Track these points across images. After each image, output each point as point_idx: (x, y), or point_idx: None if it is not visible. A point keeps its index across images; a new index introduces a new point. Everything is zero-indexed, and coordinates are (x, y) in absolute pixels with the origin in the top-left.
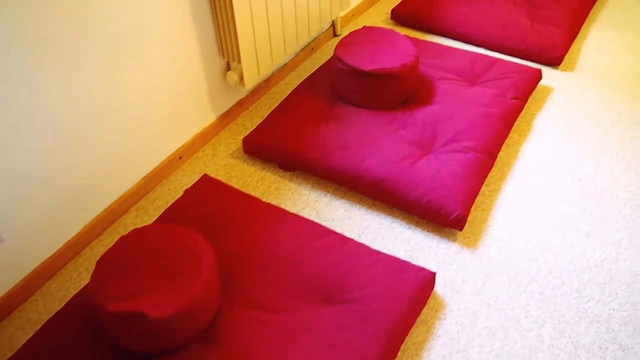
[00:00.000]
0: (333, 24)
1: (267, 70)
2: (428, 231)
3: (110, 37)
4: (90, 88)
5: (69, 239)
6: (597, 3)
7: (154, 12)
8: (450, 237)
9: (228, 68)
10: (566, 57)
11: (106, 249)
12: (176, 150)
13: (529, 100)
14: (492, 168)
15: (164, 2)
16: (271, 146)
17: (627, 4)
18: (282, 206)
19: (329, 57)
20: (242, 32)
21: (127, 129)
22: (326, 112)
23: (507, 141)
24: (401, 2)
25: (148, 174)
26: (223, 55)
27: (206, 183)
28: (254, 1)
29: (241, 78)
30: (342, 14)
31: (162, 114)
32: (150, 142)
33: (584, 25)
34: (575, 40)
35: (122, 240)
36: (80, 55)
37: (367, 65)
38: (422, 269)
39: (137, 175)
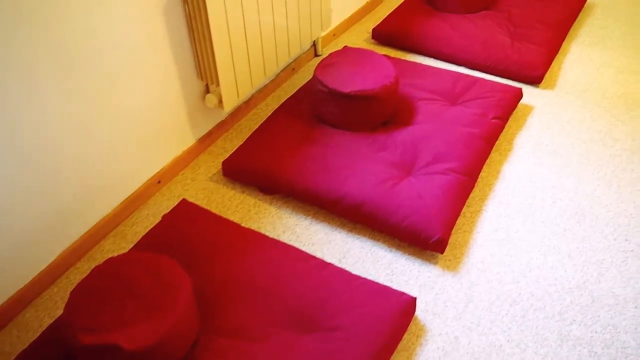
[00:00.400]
0: (314, 44)
1: (246, 92)
2: (409, 254)
3: (86, 61)
4: (66, 112)
5: (44, 267)
6: (577, 20)
7: (131, 37)
8: (432, 260)
9: (207, 91)
10: (547, 75)
11: (82, 277)
12: (155, 174)
13: (510, 119)
14: (474, 189)
15: (140, 26)
16: (250, 169)
17: (606, 21)
18: (262, 230)
19: (310, 77)
20: (220, 55)
21: (104, 154)
22: (306, 134)
23: (488, 161)
24: (382, 21)
25: (126, 199)
26: (202, 78)
27: (184, 208)
28: (232, 24)
29: (220, 101)
30: (323, 34)
31: (140, 138)
32: (129, 166)
33: (565, 42)
34: (556, 57)
35: (97, 269)
36: (56, 79)
37: (347, 87)
38: (403, 293)
39: (115, 201)
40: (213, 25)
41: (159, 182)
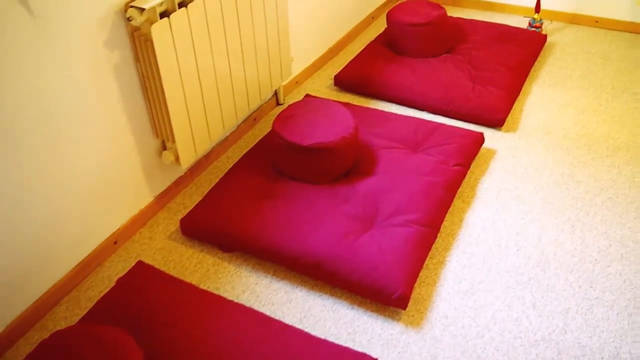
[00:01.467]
0: (276, 93)
1: (204, 147)
2: (372, 311)
3: (35, 122)
4: (14, 171)
5: None
6: (537, 60)
7: (81, 96)
8: (395, 316)
9: (164, 147)
10: (508, 118)
11: (32, 348)
12: (111, 235)
13: (473, 165)
14: (437, 239)
15: (91, 86)
16: (209, 227)
17: (565, 61)
18: (221, 291)
19: (271, 128)
20: (175, 112)
21: (56, 216)
22: (266, 188)
23: (451, 209)
24: (343, 68)
25: (80, 262)
26: (157, 135)
27: (140, 271)
28: (186, 80)
29: (177, 158)
30: (284, 83)
31: (94, 198)
32: (83, 227)
33: (526, 83)
34: (518, 99)
35: (43, 344)
36: (7, 137)
37: (306, 140)
38: (364, 355)
39: (69, 265)
40: (166, 83)
41: (115, 242)
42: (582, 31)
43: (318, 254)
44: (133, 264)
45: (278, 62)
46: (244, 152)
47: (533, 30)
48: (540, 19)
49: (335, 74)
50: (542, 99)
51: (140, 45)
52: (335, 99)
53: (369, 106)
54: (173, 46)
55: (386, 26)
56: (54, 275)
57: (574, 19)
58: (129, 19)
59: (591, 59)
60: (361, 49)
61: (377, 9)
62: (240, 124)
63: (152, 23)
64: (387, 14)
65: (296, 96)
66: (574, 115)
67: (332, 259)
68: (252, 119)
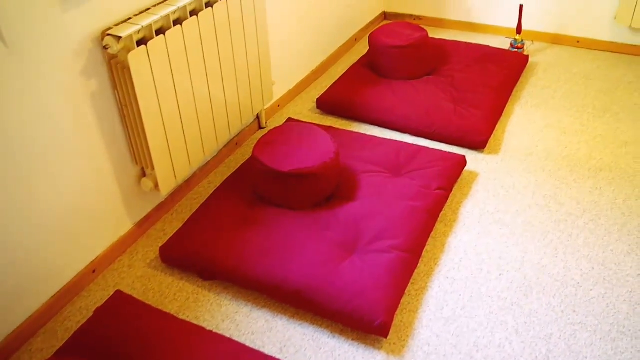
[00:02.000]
0: (258, 117)
1: (184, 174)
2: (353, 339)
3: (12, 150)
4: None
5: None
6: (519, 81)
7: (59, 125)
8: (376, 344)
9: (143, 174)
10: (491, 140)
11: None
12: (89, 264)
13: (455, 188)
14: (419, 264)
15: (68, 114)
16: (188, 255)
17: (547, 81)
18: (201, 320)
19: None
20: (153, 139)
21: (33, 245)
22: (247, 214)
23: (433, 233)
24: (326, 91)
25: (58, 292)
26: (136, 162)
27: (118, 300)
28: (165, 106)
29: (156, 185)
30: (265, 107)
31: (72, 226)
32: (61, 256)
33: (508, 104)
34: (500, 120)
35: None
36: None
37: (286, 166)
38: None
39: (46, 295)
40: (144, 110)
41: (94, 271)
42: (564, 51)
43: (298, 282)
44: (112, 293)
45: (259, 86)
46: (226, 177)
47: (515, 51)
48: (522, 40)
49: (317, 96)
50: (524, 120)
51: (117, 73)
52: (318, 122)
53: (351, 129)
54: (151, 73)
55: (368, 48)
56: (30, 307)
57: (556, 40)
58: (105, 47)
59: (573, 79)
60: (344, 72)
61: (360, 30)
62: (221, 149)
63: (129, 51)
64: (369, 37)
65: (279, 119)
66: (556, 136)
67: (312, 286)
68: (233, 144)
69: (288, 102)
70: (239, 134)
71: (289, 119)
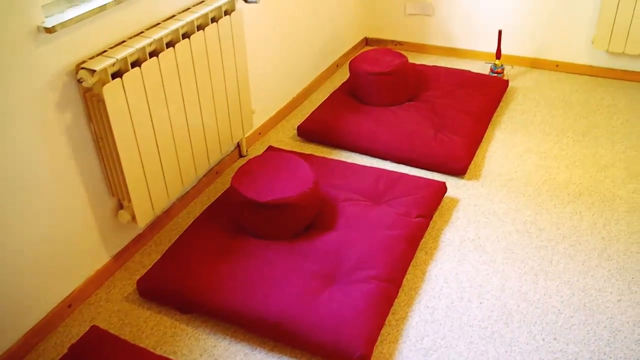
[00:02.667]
0: (238, 145)
1: (162, 205)
2: None
3: None
4: None
5: None
6: (499, 106)
7: (33, 158)
8: None
9: (120, 206)
10: (471, 166)
11: None
12: (65, 298)
13: (436, 215)
14: (399, 293)
15: (43, 148)
16: (166, 288)
17: (527, 106)
18: (178, 355)
19: None
20: (129, 171)
21: (6, 278)
22: (225, 245)
23: (413, 262)
24: (306, 119)
25: (31, 328)
26: (113, 194)
27: (94, 336)
28: (141, 138)
29: (133, 217)
30: (245, 136)
31: (47, 260)
32: (35, 290)
33: (488, 129)
34: (480, 145)
35: None
36: None
37: (264, 196)
38: None
39: (19, 331)
40: (120, 143)
41: (70, 306)
42: (543, 75)
43: (277, 315)
44: (87, 329)
45: (239, 116)
46: (205, 207)
47: (495, 76)
48: (502, 65)
49: (297, 124)
50: (504, 145)
51: (92, 106)
52: (299, 150)
53: (332, 157)
54: (126, 105)
55: (349, 75)
56: (2, 344)
57: (535, 64)
58: (80, 81)
59: (552, 103)
60: (324, 98)
61: (342, 56)
62: (201, 178)
63: (104, 84)
64: (349, 64)
65: (259, 147)
66: (536, 161)
67: (291, 319)
68: (213, 172)
69: (269, 129)
70: (219, 162)
71: (270, 147)
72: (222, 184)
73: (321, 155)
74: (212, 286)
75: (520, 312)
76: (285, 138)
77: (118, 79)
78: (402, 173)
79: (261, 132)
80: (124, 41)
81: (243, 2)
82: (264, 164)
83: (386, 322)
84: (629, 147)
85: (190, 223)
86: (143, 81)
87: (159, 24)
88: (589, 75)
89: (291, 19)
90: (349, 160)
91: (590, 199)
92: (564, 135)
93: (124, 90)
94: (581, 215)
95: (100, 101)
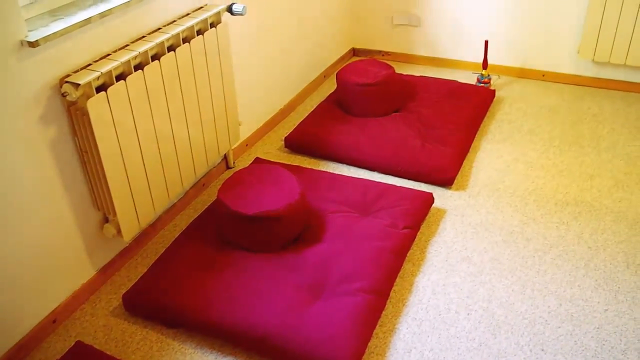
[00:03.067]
0: (226, 157)
1: (148, 219)
2: None
3: None
4: None
5: None
6: (486, 116)
7: (19, 169)
8: None
9: (106, 220)
10: (458, 176)
11: None
12: (50, 313)
13: (423, 226)
14: (387, 305)
15: (26, 161)
16: (151, 303)
17: (514, 115)
18: None
19: None
20: (115, 185)
21: None
22: (212, 258)
23: (401, 273)
24: (293, 130)
25: (15, 344)
26: (98, 208)
27: (78, 352)
28: (127, 151)
29: (119, 231)
30: (232, 147)
31: (31, 273)
32: (20, 305)
33: (475, 139)
34: (467, 156)
35: None
36: None
37: (251, 209)
38: None
39: (3, 347)
40: (104, 157)
41: (54, 321)
42: (530, 85)
43: (264, 329)
44: (72, 344)
45: (225, 127)
46: (192, 219)
47: (482, 86)
48: (489, 75)
49: (284, 136)
50: (491, 155)
51: (77, 120)
52: (286, 162)
53: (319, 168)
54: (111, 119)
55: (336, 86)
56: None
57: (522, 73)
58: (64, 95)
59: (539, 113)
60: (312, 109)
61: (329, 67)
62: (188, 190)
63: (88, 97)
64: (336, 75)
65: (247, 159)
66: (523, 171)
67: (278, 332)
68: (200, 185)
69: (256, 141)
70: (206, 174)
71: (257, 159)
72: (209, 196)
73: (308, 166)
74: (199, 300)
75: (507, 323)
76: (273, 149)
77: (103, 93)
78: (389, 184)
79: (248, 143)
80: (108, 54)
81: (229, 14)
82: (250, 176)
83: (374, 334)
84: (615, 156)
85: (176, 236)
86: (128, 94)
87: (144, 37)
88: (575, 84)
89: (278, 30)
90: (336, 172)
91: (576, 209)
92: (550, 144)
93: (109, 104)
94: (568, 225)
95: (85, 115)
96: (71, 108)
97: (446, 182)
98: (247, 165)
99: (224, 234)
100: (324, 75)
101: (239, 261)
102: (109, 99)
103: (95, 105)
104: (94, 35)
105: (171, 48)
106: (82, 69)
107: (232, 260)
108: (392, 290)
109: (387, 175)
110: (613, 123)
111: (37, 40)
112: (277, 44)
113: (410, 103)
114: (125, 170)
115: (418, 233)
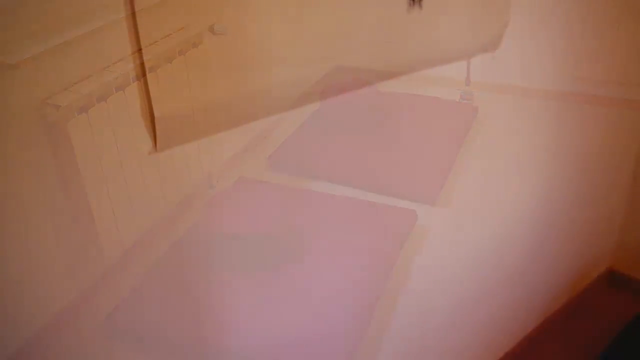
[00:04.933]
0: (209, 175)
1: (131, 239)
2: None
3: None
4: None
5: None
6: (469, 133)
7: None
8: None
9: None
10: (441, 193)
11: None
12: None
13: (406, 243)
14: (370, 325)
15: (7, 181)
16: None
17: (496, 132)
18: None
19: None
20: (97, 206)
21: None
22: (193, 280)
23: (383, 291)
24: (278, 148)
25: None
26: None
27: None
28: (108, 172)
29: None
30: (215, 165)
31: (12, 299)
32: None
33: (458, 156)
34: (451, 172)
35: None
36: None
37: (234, 228)
38: None
39: None
40: (86, 178)
41: None
42: (513, 101)
43: (245, 350)
44: None
45: (209, 145)
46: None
47: (465, 102)
48: (471, 91)
49: (269, 154)
50: (474, 172)
51: (58, 142)
52: (269, 181)
53: (303, 186)
54: (93, 141)
55: (319, 104)
56: None
57: (504, 90)
58: (44, 117)
59: (521, 129)
60: (295, 128)
61: (312, 85)
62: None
63: (69, 119)
64: (319, 93)
65: (230, 178)
66: (507, 188)
67: (259, 355)
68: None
69: (240, 160)
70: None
71: (241, 178)
72: (192, 215)
73: (292, 185)
74: (178, 322)
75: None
76: (257, 168)
77: (84, 114)
78: (372, 202)
79: (232, 162)
80: (90, 76)
81: (211, 33)
82: (234, 195)
83: (357, 355)
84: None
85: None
86: (110, 116)
87: (125, 57)
88: (558, 100)
89: (260, 49)
90: (319, 190)
91: None
92: (534, 161)
93: (90, 126)
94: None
95: (66, 137)
96: (52, 130)
97: (429, 200)
98: (230, 184)
99: (206, 254)
100: (307, 94)
101: (220, 282)
102: (90, 121)
103: (77, 127)
104: (75, 57)
105: (152, 70)
106: (62, 90)
107: (214, 281)
108: (375, 310)
109: (370, 193)
110: (596, 138)
111: (17, 63)
112: (259, 63)
113: (393, 120)
114: (108, 191)
115: (401, 251)
